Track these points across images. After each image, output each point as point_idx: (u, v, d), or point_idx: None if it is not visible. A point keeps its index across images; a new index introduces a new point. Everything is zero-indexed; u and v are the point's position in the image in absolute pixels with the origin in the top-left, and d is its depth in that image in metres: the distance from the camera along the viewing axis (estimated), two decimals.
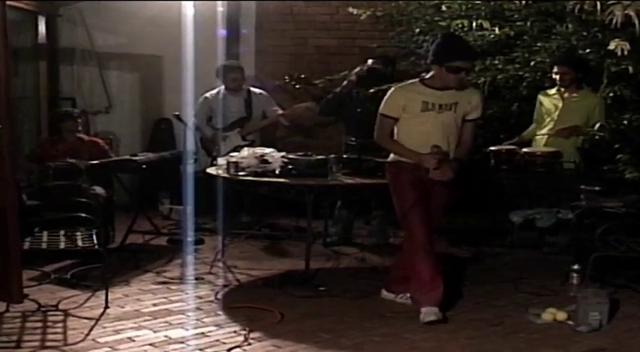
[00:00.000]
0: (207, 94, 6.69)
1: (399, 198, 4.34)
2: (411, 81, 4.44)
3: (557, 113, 5.73)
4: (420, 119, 4.25)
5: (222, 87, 6.64)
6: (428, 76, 4.33)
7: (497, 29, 5.77)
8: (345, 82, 6.22)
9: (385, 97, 4.35)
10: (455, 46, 4.25)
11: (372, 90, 5.89)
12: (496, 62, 5.96)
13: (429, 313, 4.20)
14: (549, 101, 5.80)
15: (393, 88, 4.39)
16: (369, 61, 6.41)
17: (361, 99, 5.98)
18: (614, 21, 4.63)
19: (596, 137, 5.19)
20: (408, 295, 4.47)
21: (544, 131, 5.77)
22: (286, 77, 7.35)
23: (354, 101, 6.05)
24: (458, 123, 4.31)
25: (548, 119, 5.78)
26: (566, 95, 5.71)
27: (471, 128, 4.37)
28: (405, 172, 4.29)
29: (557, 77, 5.64)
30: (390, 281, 4.63)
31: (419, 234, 4.25)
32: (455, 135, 4.31)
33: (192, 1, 7.15)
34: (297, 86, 7.31)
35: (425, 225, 4.25)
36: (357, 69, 6.14)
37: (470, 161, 4.61)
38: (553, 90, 5.79)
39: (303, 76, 7.30)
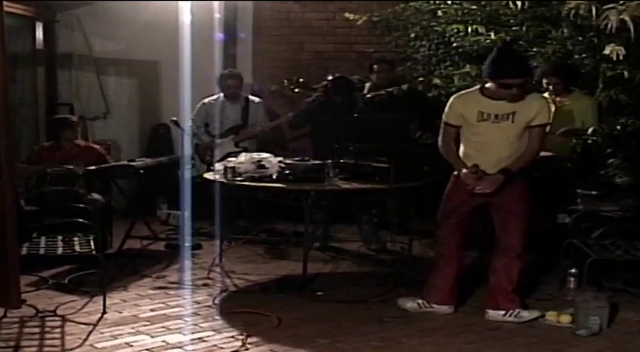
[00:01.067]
0: (206, 100, 6.73)
1: (443, 201, 4.44)
2: (471, 89, 4.38)
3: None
4: (477, 129, 4.23)
5: (222, 94, 6.67)
6: (488, 85, 4.24)
7: (492, 34, 5.78)
8: (314, 95, 6.28)
9: (446, 106, 4.34)
10: (506, 63, 4.14)
11: (368, 96, 5.90)
12: None
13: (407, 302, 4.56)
14: None
15: (452, 97, 4.35)
16: (375, 67, 6.43)
17: (336, 106, 5.98)
18: (609, 26, 4.65)
19: (589, 141, 5.21)
20: (517, 311, 4.40)
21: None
22: (285, 81, 7.36)
23: (330, 109, 6.04)
24: (519, 132, 4.20)
25: None
26: (557, 99, 5.73)
27: (536, 134, 4.22)
28: (461, 181, 4.29)
29: (550, 87, 5.67)
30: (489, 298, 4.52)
31: (444, 237, 4.44)
32: (517, 145, 4.21)
33: (189, 6, 7.17)
34: (297, 90, 7.32)
35: (452, 232, 4.40)
36: (329, 78, 6.15)
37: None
38: (545, 95, 5.80)
39: (302, 80, 7.30)
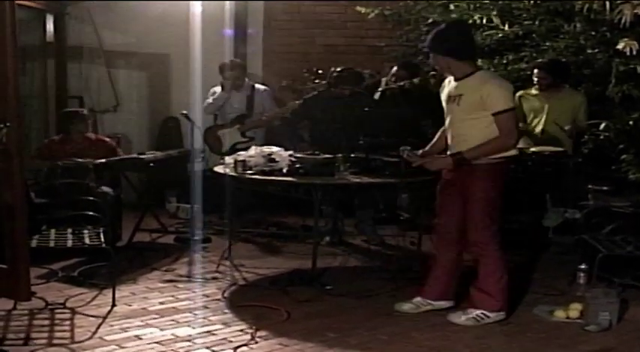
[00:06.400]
0: (216, 88, 6.76)
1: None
2: None
3: (545, 112, 5.81)
4: (447, 111, 4.25)
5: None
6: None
7: (506, 26, 5.77)
8: (316, 90, 6.18)
9: None
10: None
11: (380, 90, 5.86)
12: (504, 61, 5.97)
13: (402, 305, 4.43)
14: (534, 100, 5.89)
15: None
16: (394, 69, 6.32)
17: (344, 98, 5.91)
18: (622, 20, 4.64)
19: (601, 137, 5.19)
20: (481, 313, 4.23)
21: (539, 128, 5.83)
22: (305, 70, 7.28)
23: (337, 102, 5.89)
24: (466, 116, 4.07)
25: (536, 119, 5.86)
26: (549, 95, 5.78)
27: (497, 123, 4.00)
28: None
29: (536, 80, 5.74)
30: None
31: (436, 222, 4.40)
32: (467, 129, 4.08)
33: (200, 0, 7.17)
34: (317, 81, 7.26)
35: (441, 215, 4.33)
36: (338, 70, 6.03)
37: None
38: (534, 91, 5.86)
39: (321, 71, 7.21)
